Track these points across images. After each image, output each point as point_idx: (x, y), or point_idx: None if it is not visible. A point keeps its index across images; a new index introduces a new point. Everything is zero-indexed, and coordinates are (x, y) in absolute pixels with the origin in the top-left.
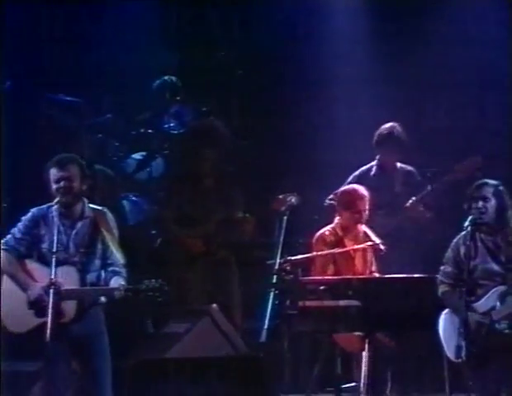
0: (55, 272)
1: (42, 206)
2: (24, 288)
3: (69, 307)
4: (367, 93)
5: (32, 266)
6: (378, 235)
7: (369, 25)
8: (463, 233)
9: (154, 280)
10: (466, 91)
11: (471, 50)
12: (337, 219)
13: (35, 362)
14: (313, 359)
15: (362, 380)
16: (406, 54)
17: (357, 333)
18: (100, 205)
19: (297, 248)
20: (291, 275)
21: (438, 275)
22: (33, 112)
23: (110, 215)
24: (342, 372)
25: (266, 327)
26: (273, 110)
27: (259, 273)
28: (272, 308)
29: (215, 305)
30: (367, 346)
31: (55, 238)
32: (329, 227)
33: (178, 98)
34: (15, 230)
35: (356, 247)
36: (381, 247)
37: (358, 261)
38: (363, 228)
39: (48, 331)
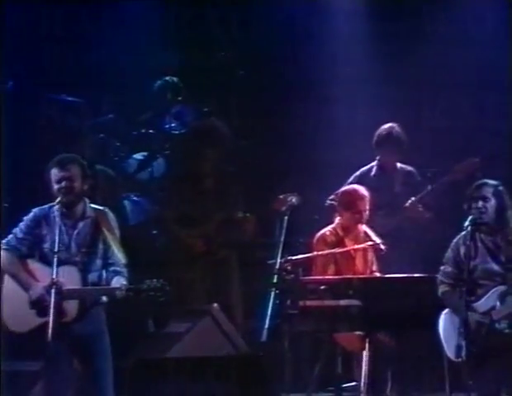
0: (57, 272)
1: (44, 206)
2: (26, 288)
3: (71, 306)
4: (367, 93)
5: (34, 265)
6: (378, 235)
7: (369, 26)
8: (463, 233)
9: (155, 280)
10: (466, 91)
11: (471, 50)
12: (337, 220)
13: (36, 362)
14: (314, 358)
15: (363, 380)
16: (406, 54)
17: (357, 333)
18: (101, 205)
19: (298, 248)
20: (292, 275)
21: (438, 275)
22: (33, 112)
23: (111, 215)
24: (342, 371)
25: (267, 326)
26: (274, 111)
27: (260, 273)
28: (272, 308)
29: (215, 305)
30: (367, 345)
31: (57, 237)
32: (329, 227)
33: (180, 99)
34: (17, 230)
35: (356, 246)
36: (382, 246)
37: (359, 261)
38: (364, 228)
39: (49, 330)
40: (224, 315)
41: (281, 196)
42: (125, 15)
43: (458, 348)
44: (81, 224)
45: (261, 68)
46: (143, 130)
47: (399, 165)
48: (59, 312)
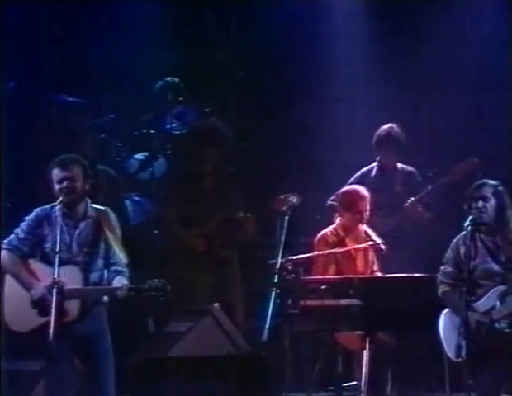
0: (58, 272)
1: (45, 206)
2: (27, 287)
3: (72, 306)
4: (368, 93)
5: (35, 265)
6: (379, 235)
7: (369, 26)
8: (463, 233)
9: (156, 280)
10: (465, 91)
11: (470, 50)
12: (338, 220)
13: (37, 361)
14: (314, 358)
15: (363, 379)
16: (406, 54)
17: (358, 332)
18: (102, 205)
19: (298, 248)
20: (293, 275)
21: (438, 275)
22: (33, 112)
23: (112, 215)
24: (343, 371)
25: (267, 326)
26: (274, 111)
27: (261, 272)
28: (273, 308)
29: (216, 304)
30: (367, 345)
31: (58, 237)
32: (330, 228)
33: (180, 99)
34: (18, 230)
35: (357, 246)
36: (382, 246)
37: (360, 262)
38: (364, 228)
39: (51, 330)
40: (225, 315)
41: (281, 196)
42: (126, 15)
43: (458, 348)
44: (82, 224)
45: (261, 69)
46: (144, 130)
47: (399, 165)
48: (61, 311)
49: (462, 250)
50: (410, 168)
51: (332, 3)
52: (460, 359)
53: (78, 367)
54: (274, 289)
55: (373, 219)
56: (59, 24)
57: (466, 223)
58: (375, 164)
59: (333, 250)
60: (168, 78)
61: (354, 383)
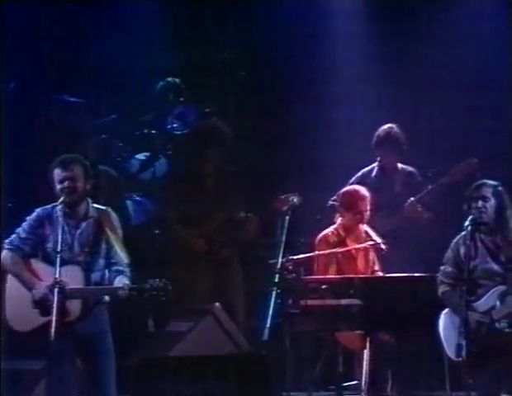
0: (60, 271)
1: (47, 206)
2: (29, 287)
3: (74, 306)
4: (368, 93)
5: (37, 265)
6: (379, 235)
7: (369, 26)
8: (463, 233)
9: (157, 280)
10: (465, 91)
11: (470, 50)
12: (339, 220)
13: (39, 361)
14: (315, 357)
15: (364, 378)
16: (406, 54)
17: (358, 332)
18: (104, 205)
19: (299, 248)
20: (294, 274)
21: (438, 275)
22: (33, 112)
23: (114, 215)
24: (343, 370)
25: (268, 325)
26: (275, 111)
27: (262, 272)
28: (274, 307)
29: (217, 304)
30: (368, 344)
31: (60, 237)
32: (331, 228)
33: (181, 99)
34: (20, 230)
35: (357, 246)
36: (383, 246)
37: (360, 261)
38: (365, 228)
39: (52, 330)
40: (225, 314)
41: (282, 196)
42: (126, 15)
43: (458, 347)
44: (84, 224)
45: (261, 69)
46: (145, 131)
47: (400, 166)
48: (62, 311)
49: (462, 250)
50: (410, 169)
51: (332, 3)
52: (460, 358)
53: (79, 367)
54: (275, 288)
55: (374, 219)
56: (59, 24)
57: (466, 223)
58: (375, 164)
59: (333, 250)
60: (169, 79)
61: (355, 382)
